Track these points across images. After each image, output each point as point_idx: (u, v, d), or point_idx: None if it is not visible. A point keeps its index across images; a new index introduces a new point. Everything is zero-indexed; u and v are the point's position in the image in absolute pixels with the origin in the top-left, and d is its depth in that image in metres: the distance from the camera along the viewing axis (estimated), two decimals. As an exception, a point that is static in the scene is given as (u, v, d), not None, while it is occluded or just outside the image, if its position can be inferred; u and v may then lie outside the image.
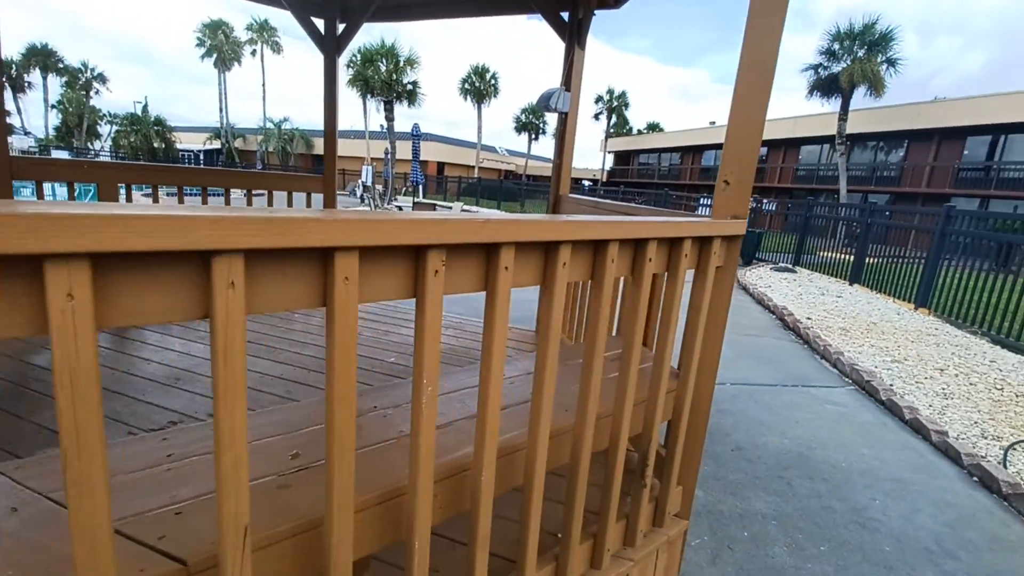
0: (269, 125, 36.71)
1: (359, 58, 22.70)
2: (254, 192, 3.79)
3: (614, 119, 41.77)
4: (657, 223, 1.20)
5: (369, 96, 23.30)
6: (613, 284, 1.26)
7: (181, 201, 3.55)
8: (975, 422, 3.67)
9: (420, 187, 23.39)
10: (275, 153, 36.72)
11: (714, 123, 38.14)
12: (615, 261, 1.12)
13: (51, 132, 34.80)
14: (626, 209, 2.38)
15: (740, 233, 1.48)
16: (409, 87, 22.89)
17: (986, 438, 3.44)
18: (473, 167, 36.71)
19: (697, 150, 38.34)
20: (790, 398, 3.95)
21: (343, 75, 26.17)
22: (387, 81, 21.99)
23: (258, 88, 36.58)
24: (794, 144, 30.21)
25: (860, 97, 20.95)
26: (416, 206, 9.97)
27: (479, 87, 32.72)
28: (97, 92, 35.76)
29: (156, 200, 3.44)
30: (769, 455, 2.99)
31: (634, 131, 46.43)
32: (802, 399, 3.96)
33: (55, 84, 34.94)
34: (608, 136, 41.61)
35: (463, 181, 29.80)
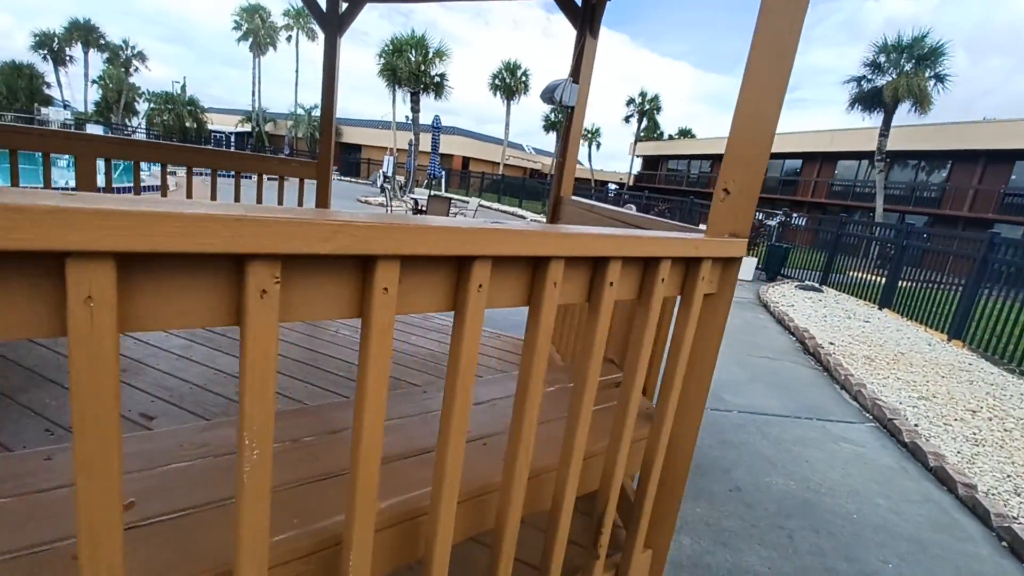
0: (300, 111, 37.12)
1: (389, 47, 22.64)
2: (242, 175, 3.61)
3: (645, 123, 41.06)
4: (622, 237, 0.94)
5: (396, 87, 23.23)
6: (572, 309, 1.00)
7: (163, 180, 3.39)
8: (1008, 475, 3.29)
9: (442, 180, 23.25)
10: (304, 139, 37.09)
11: (748, 132, 37.18)
12: (559, 284, 0.87)
13: (91, 107, 35.82)
14: (625, 218, 2.11)
15: (739, 255, 1.20)
16: (437, 79, 22.72)
17: (1019, 495, 3.07)
18: (499, 164, 36.52)
19: (728, 159, 37.38)
20: (802, 432, 3.62)
21: (374, 65, 26.28)
22: (414, 72, 21.84)
23: (291, 74, 36.91)
24: (831, 158, 29.21)
25: (904, 113, 20.07)
26: (432, 199, 9.81)
27: (509, 83, 32.42)
28: (136, 70, 36.63)
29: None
30: (771, 499, 2.68)
31: (665, 136, 45.64)
32: (815, 434, 3.62)
33: (97, 60, 36.01)
34: (637, 140, 40.94)
35: (486, 177, 29.58)
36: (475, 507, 1.00)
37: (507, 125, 34.57)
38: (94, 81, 36.34)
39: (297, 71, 36.70)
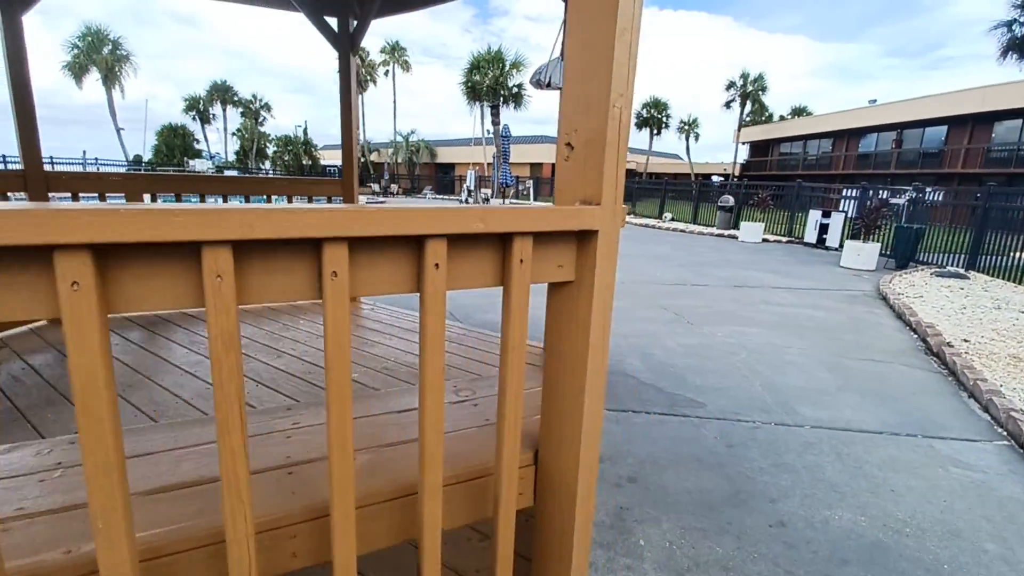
0: (398, 138, 39.83)
1: (468, 66, 23.52)
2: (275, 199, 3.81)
3: (749, 106, 38.02)
4: (348, 211, 0.72)
5: (477, 102, 23.94)
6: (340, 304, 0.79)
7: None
8: None
9: (530, 190, 23.35)
10: (403, 163, 39.66)
11: (875, 101, 32.94)
12: (225, 277, 0.67)
13: (232, 156, 41.74)
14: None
15: (593, 228, 0.90)
16: (514, 90, 23.05)
17: None
18: (590, 167, 35.78)
19: (853, 134, 33.28)
20: (895, 453, 2.91)
21: (460, 89, 27.31)
22: (492, 86, 22.38)
23: (390, 104, 39.82)
24: (985, 120, 24.65)
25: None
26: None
27: (596, 85, 31.72)
28: (264, 119, 42.02)
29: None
30: (826, 539, 2.14)
31: (775, 118, 41.87)
32: (914, 456, 2.88)
33: (233, 115, 42.03)
34: (742, 125, 37.96)
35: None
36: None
37: (596, 127, 33.74)
38: (233, 133, 42.31)
39: (395, 102, 39.44)
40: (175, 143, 37.64)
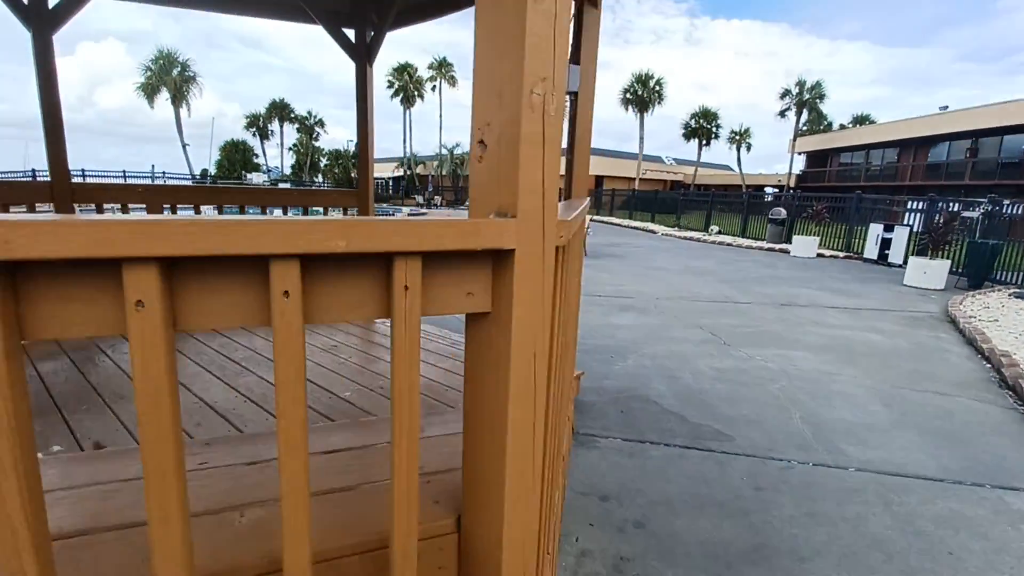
0: (443, 151, 40.69)
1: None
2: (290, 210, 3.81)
3: (805, 115, 36.40)
4: (155, 223, 0.56)
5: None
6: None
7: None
8: None
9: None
10: (448, 176, 40.41)
11: (946, 108, 30.83)
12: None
13: (288, 170, 43.98)
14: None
15: (509, 247, 0.71)
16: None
17: None
18: (634, 179, 35.32)
19: (922, 143, 31.13)
20: (957, 506, 2.50)
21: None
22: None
23: (437, 119, 40.69)
24: (1075, 125, 22.48)
25: None
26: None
27: (642, 95, 31.35)
28: (318, 135, 44.11)
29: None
30: (864, 611, 1.81)
31: (834, 127, 39.88)
32: (980, 511, 2.47)
33: (290, 131, 44.54)
34: (798, 135, 36.35)
35: (618, 193, 28.71)
36: None
37: (641, 138, 33.36)
38: (289, 148, 44.60)
39: (441, 116, 40.42)
40: (236, 158, 40.06)
